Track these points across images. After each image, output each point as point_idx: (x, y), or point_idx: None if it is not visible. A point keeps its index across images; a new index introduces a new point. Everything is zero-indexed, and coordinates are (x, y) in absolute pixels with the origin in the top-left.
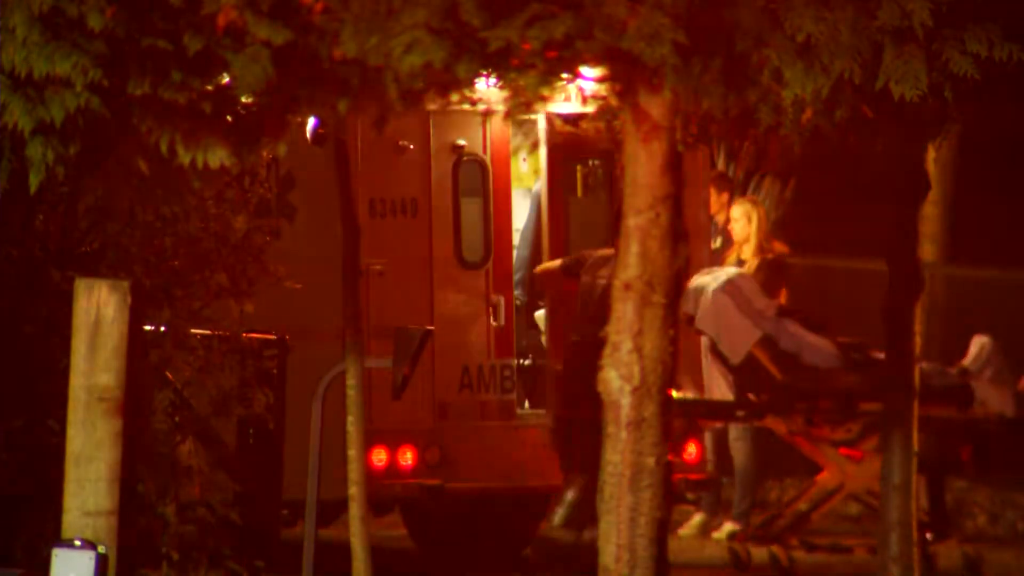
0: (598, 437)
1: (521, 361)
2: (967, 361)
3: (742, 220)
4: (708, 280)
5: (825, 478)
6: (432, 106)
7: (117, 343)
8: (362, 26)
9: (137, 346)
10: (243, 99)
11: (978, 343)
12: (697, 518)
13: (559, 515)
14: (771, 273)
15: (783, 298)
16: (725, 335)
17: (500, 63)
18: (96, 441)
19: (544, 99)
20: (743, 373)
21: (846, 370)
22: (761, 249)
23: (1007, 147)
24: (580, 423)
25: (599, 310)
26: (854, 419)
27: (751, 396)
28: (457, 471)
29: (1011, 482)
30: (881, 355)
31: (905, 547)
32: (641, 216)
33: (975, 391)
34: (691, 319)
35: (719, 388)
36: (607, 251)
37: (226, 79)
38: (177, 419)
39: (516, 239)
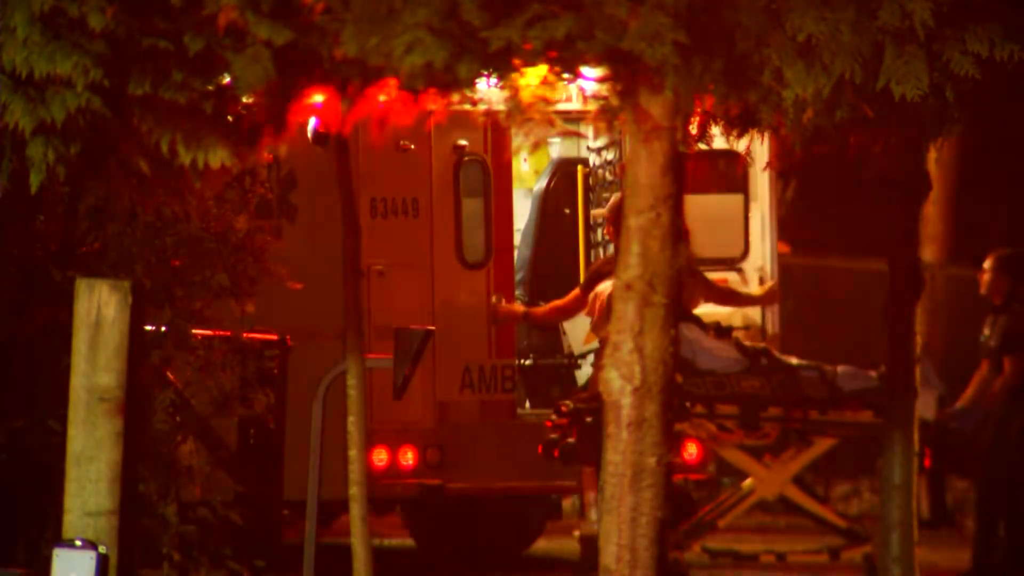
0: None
1: (521, 361)
2: None
3: None
4: (609, 285)
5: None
6: (433, 106)
7: (118, 343)
8: (363, 26)
9: (138, 346)
10: (243, 99)
11: None
12: None
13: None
14: (686, 277)
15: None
16: None
17: (501, 63)
18: (97, 441)
19: (545, 99)
20: None
21: (748, 375)
22: None
23: (1007, 147)
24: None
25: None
26: (758, 424)
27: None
28: (457, 471)
29: None
30: (791, 360)
31: (906, 547)
32: (642, 216)
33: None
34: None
35: None
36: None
37: (227, 79)
38: (178, 419)
39: (517, 239)
